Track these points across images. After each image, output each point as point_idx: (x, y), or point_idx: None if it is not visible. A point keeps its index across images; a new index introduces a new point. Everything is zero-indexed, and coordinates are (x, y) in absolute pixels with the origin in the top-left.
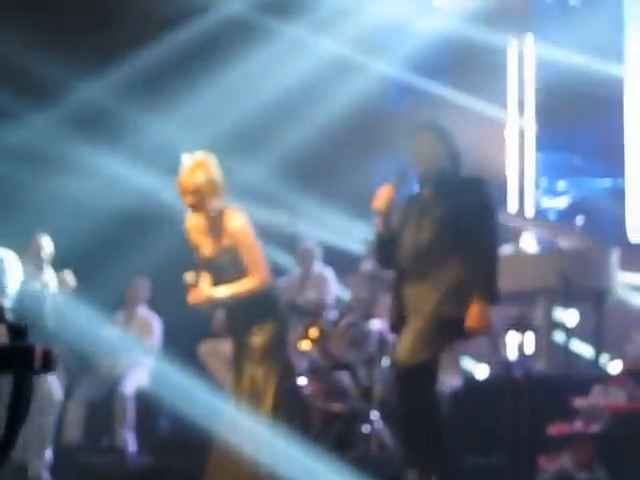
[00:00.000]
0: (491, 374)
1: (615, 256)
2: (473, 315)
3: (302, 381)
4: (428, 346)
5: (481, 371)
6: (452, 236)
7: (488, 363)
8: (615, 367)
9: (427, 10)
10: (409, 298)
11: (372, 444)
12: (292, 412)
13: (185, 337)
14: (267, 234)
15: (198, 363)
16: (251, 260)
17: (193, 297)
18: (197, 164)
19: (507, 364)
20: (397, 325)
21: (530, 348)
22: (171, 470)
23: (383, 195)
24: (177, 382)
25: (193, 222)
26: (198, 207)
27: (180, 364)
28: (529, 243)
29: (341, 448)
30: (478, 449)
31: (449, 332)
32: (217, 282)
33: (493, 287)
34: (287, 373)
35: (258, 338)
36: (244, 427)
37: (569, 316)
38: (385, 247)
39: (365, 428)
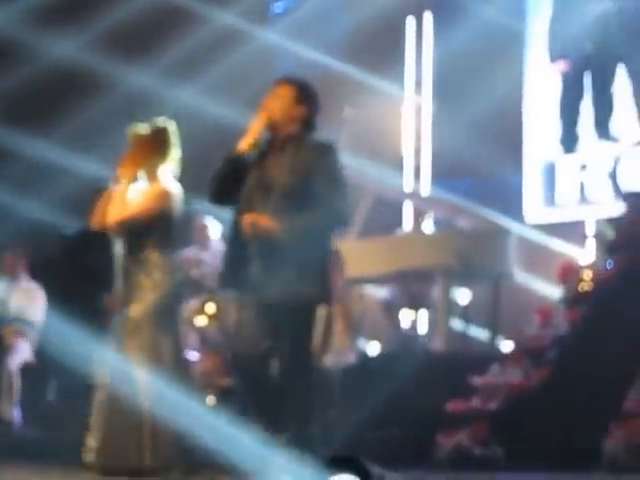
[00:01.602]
0: (384, 350)
1: (513, 237)
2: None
3: (194, 356)
4: None
5: (373, 348)
6: (299, 200)
7: (379, 340)
8: (508, 346)
9: None
10: None
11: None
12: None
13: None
14: None
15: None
16: None
17: None
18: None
19: (402, 341)
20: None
21: (424, 326)
22: (59, 442)
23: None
24: (63, 353)
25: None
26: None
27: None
28: (426, 222)
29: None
30: (375, 424)
31: None
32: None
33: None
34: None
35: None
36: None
37: (462, 295)
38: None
39: None
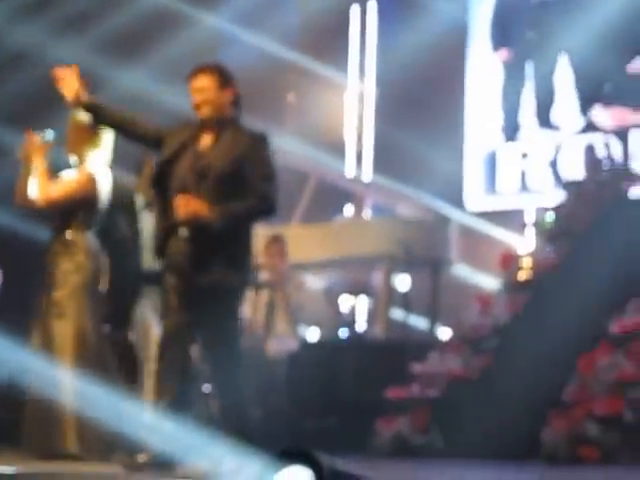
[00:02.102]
0: (324, 337)
1: (454, 225)
2: None
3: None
4: None
5: (313, 334)
6: (232, 186)
7: (319, 326)
8: (446, 334)
9: None
10: None
11: (214, 404)
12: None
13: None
14: None
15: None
16: None
17: None
18: None
19: (343, 327)
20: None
21: (363, 312)
22: None
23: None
24: None
25: None
26: None
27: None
28: (366, 209)
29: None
30: (314, 411)
31: None
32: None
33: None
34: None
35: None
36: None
37: (402, 282)
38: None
39: (205, 387)
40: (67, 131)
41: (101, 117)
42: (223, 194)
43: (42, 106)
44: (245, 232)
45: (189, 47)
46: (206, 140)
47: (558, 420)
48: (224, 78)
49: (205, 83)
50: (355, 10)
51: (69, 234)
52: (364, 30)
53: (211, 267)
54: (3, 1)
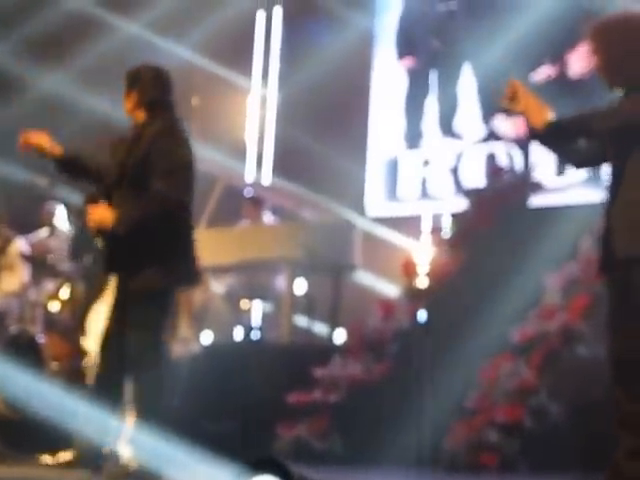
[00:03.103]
0: (225, 340)
1: (357, 230)
2: None
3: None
4: None
5: (206, 337)
6: (140, 183)
7: (220, 329)
8: (349, 339)
9: None
10: None
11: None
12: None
13: None
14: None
15: None
16: None
17: None
18: None
19: (244, 330)
20: None
21: (263, 316)
22: None
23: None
24: None
25: None
26: None
27: None
28: (267, 213)
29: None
30: (210, 415)
31: None
32: None
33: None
34: None
35: None
36: None
37: (299, 285)
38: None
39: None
40: None
41: (76, 171)
42: (134, 192)
43: None
44: (168, 233)
45: (102, 51)
46: (125, 144)
47: (460, 427)
48: (128, 83)
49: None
50: (261, 15)
51: None
52: (269, 35)
53: (135, 271)
54: None
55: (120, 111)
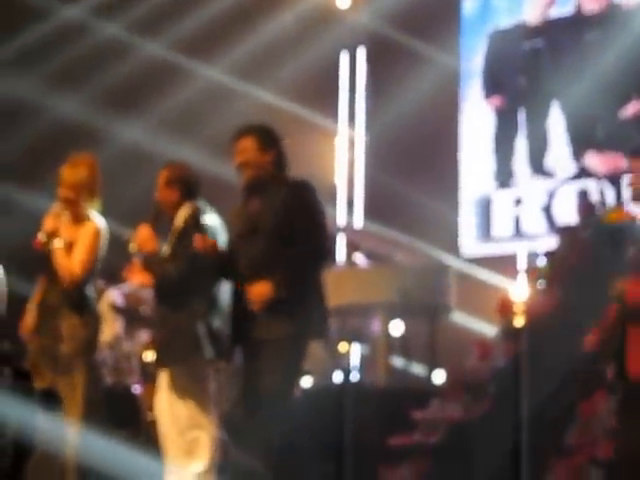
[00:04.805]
0: (322, 383)
1: (451, 272)
2: None
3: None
4: None
5: (305, 380)
6: (280, 246)
7: (311, 373)
8: (446, 380)
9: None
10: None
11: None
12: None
13: None
14: None
15: None
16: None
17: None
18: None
19: (340, 373)
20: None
21: (357, 358)
22: None
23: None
24: None
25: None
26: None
27: None
28: (360, 256)
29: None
30: (311, 457)
31: None
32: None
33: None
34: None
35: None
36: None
37: (396, 327)
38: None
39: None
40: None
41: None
42: (275, 248)
43: (39, 159)
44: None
45: (189, 99)
46: (252, 200)
47: (560, 466)
48: (265, 140)
49: (246, 144)
50: (344, 56)
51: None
52: (353, 76)
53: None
54: None
55: (201, 159)
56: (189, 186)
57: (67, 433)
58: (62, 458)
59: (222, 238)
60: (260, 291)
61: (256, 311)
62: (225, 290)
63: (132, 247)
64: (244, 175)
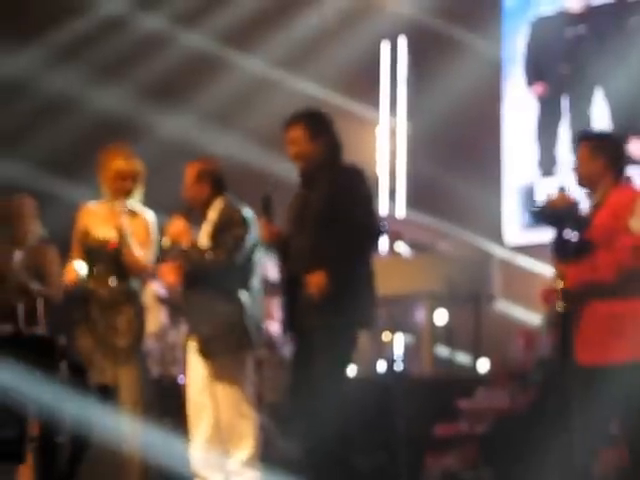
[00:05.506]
0: (367, 373)
1: (495, 260)
2: None
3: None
4: None
5: (350, 370)
6: (330, 231)
7: (356, 363)
8: (485, 367)
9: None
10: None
11: None
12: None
13: None
14: None
15: None
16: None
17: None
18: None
19: (386, 364)
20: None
21: (401, 348)
22: None
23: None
24: None
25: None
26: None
27: None
28: (403, 246)
29: None
30: (358, 448)
31: None
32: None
33: None
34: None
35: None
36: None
37: (440, 316)
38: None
39: None
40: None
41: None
42: (324, 234)
43: (82, 153)
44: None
45: (231, 91)
46: (306, 189)
47: (609, 453)
48: (314, 129)
49: (296, 135)
50: (385, 46)
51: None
52: (394, 65)
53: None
54: (40, 46)
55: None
56: (219, 180)
57: (126, 427)
58: (119, 454)
59: (256, 230)
60: (317, 281)
61: (315, 301)
62: (257, 280)
63: (165, 241)
64: (298, 167)
